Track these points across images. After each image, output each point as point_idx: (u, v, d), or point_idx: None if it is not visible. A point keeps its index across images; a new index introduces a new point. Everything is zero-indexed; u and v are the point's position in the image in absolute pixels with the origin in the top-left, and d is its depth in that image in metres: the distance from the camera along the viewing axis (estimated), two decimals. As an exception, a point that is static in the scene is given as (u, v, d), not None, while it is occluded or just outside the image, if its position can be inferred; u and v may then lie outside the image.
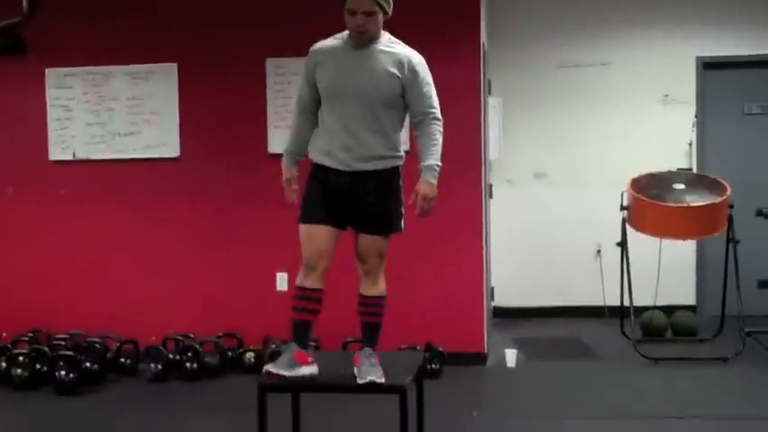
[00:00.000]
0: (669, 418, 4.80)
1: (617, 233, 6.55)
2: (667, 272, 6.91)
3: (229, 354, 6.05)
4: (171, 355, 5.90)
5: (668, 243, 6.67)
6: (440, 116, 3.84)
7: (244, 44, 6.23)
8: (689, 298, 7.58)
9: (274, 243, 6.08)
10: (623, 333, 6.68)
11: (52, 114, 6.41)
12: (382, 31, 3.80)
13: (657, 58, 7.59)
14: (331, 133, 3.81)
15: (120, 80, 6.36)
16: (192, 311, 6.31)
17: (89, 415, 5.13)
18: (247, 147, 6.25)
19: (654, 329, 6.77)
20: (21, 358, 5.67)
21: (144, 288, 6.37)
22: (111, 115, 6.37)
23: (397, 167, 3.89)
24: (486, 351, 6.21)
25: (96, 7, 6.36)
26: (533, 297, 7.71)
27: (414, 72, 3.77)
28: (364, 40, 3.75)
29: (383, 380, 3.74)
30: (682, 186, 6.35)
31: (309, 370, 3.83)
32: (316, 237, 3.78)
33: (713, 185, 6.36)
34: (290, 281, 6.00)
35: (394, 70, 3.74)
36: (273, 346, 5.85)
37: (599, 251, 7.60)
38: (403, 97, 3.80)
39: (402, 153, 3.91)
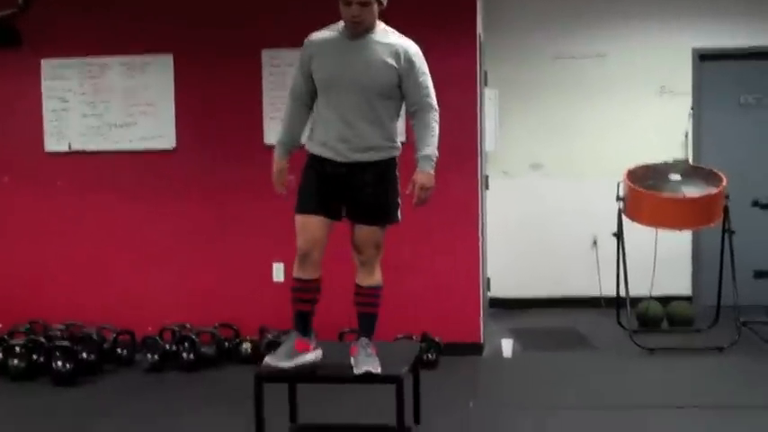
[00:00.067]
0: (665, 408, 4.82)
1: (613, 224, 6.55)
2: (663, 262, 6.91)
3: (226, 344, 6.06)
4: (167, 346, 5.91)
5: (664, 234, 6.68)
6: (436, 106, 3.85)
7: (240, 35, 6.21)
8: (685, 288, 7.58)
9: (270, 234, 6.08)
10: (619, 323, 6.69)
11: (48, 106, 6.39)
12: (377, 21, 3.80)
13: (654, 49, 7.58)
14: (327, 124, 3.81)
15: (115, 71, 6.34)
16: (189, 302, 6.31)
17: (86, 405, 5.14)
18: (243, 138, 6.24)
19: (650, 320, 6.78)
20: (17, 349, 5.67)
21: (140, 279, 6.37)
22: (106, 106, 6.36)
23: (393, 158, 3.90)
24: (482, 341, 6.22)
25: (91, -2, 6.35)
26: (529, 287, 7.71)
27: (410, 62, 3.78)
28: (359, 30, 3.75)
29: (379, 370, 3.75)
30: (678, 177, 6.36)
31: (312, 356, 3.87)
32: (309, 226, 3.80)
33: (709, 176, 6.36)
34: (287, 271, 6.01)
35: (390, 61, 3.75)
36: (270, 336, 5.86)
37: (595, 242, 7.61)
38: (399, 87, 3.81)
39: (398, 144, 3.92)
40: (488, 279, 7.06)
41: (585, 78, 7.68)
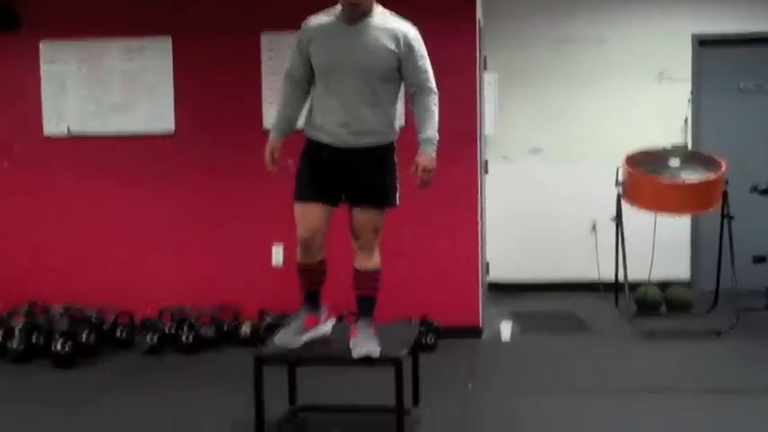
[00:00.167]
0: (663, 392, 4.83)
1: (612, 208, 6.57)
2: (662, 247, 6.92)
3: (225, 326, 6.07)
4: (166, 328, 5.92)
5: (663, 218, 6.68)
6: (435, 89, 3.85)
7: (238, 18, 6.19)
8: (683, 273, 7.60)
9: (269, 217, 6.08)
10: (618, 307, 6.71)
11: (46, 89, 6.37)
12: (375, 4, 3.79)
13: (653, 35, 7.57)
14: (327, 109, 3.80)
15: (114, 54, 6.31)
16: (188, 285, 6.31)
17: (85, 387, 5.15)
18: (242, 122, 6.23)
19: (648, 304, 6.80)
20: (17, 331, 5.68)
21: (139, 261, 6.37)
22: (105, 90, 6.34)
23: (392, 142, 3.91)
24: (481, 325, 6.24)
25: (90, -20, 6.33)
26: (528, 271, 7.72)
27: (409, 46, 3.77)
28: (357, 13, 3.74)
29: (379, 352, 3.77)
30: (677, 163, 6.37)
31: (323, 329, 3.93)
32: (308, 215, 3.82)
33: (708, 162, 6.37)
34: (286, 254, 6.03)
35: (390, 44, 3.74)
36: (269, 318, 5.87)
37: (594, 226, 7.61)
38: (398, 71, 3.81)
39: (397, 128, 3.93)
40: (487, 263, 7.07)
41: (585, 63, 7.66)
